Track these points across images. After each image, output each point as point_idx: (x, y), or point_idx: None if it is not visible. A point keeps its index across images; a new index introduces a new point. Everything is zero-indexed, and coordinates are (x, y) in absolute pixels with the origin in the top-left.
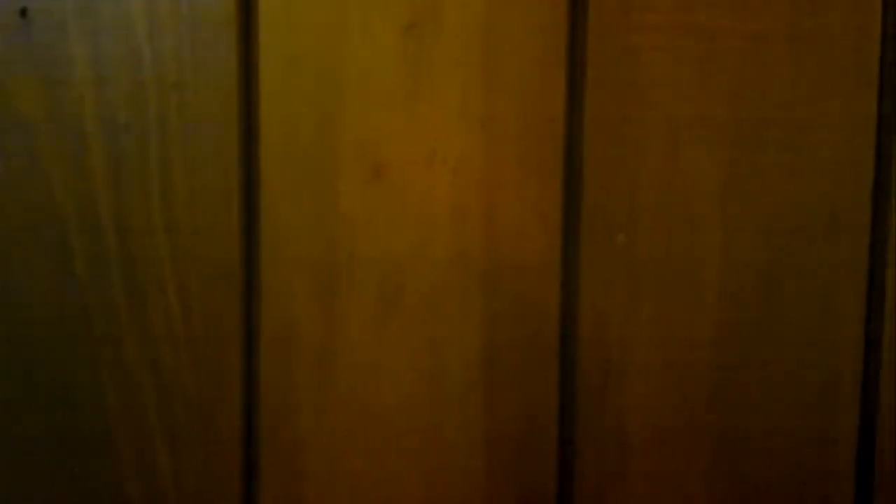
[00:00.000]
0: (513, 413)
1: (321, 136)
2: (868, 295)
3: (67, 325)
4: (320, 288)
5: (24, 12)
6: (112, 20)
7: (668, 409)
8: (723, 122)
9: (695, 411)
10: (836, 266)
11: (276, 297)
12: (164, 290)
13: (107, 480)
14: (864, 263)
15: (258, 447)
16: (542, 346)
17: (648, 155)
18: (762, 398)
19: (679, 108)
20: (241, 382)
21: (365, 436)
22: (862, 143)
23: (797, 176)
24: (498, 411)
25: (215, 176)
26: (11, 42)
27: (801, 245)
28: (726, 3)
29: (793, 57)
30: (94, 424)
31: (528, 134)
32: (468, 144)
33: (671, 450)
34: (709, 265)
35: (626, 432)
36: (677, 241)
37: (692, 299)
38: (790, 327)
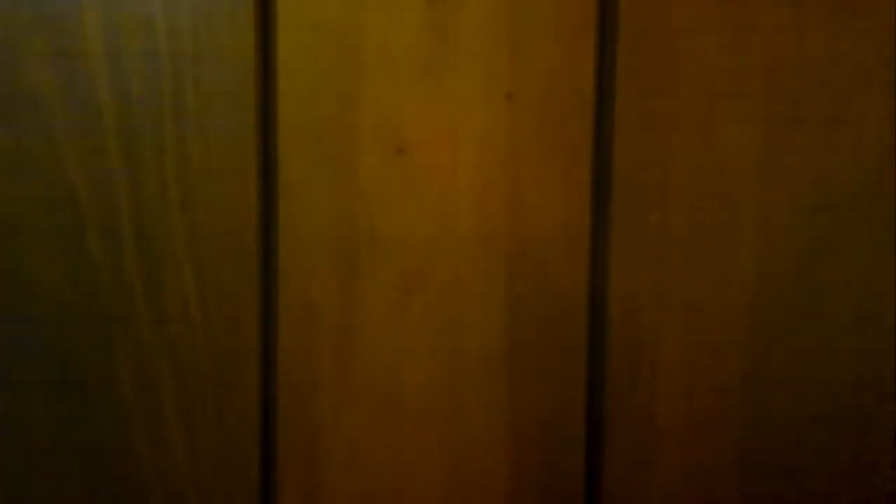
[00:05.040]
0: (539, 398)
1: (341, 111)
2: None
3: (80, 305)
4: (340, 267)
5: None
6: None
7: (700, 394)
8: (758, 96)
9: (727, 396)
10: (874, 245)
11: (294, 276)
12: (180, 268)
13: (121, 462)
14: None
15: (276, 429)
16: (570, 329)
17: (682, 130)
18: (797, 382)
19: (713, 81)
20: (259, 364)
21: (385, 420)
22: None
23: (834, 153)
24: (523, 396)
25: (232, 151)
26: (21, 14)
27: (838, 224)
28: None
29: (831, 29)
30: (107, 406)
31: (556, 108)
32: (493, 119)
33: (703, 435)
34: (743, 245)
35: (656, 417)
36: (711, 219)
37: (726, 280)
38: (827, 309)
